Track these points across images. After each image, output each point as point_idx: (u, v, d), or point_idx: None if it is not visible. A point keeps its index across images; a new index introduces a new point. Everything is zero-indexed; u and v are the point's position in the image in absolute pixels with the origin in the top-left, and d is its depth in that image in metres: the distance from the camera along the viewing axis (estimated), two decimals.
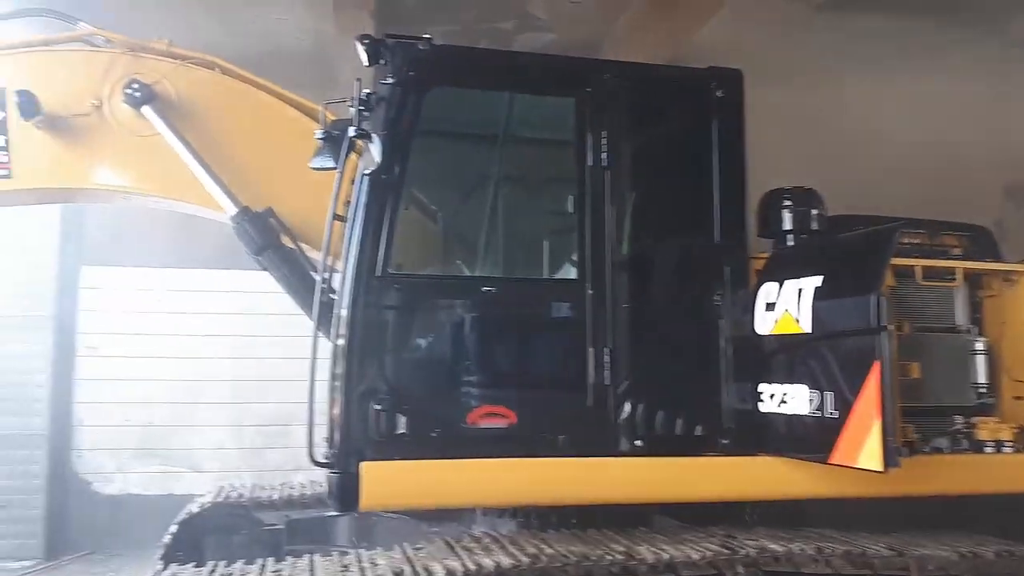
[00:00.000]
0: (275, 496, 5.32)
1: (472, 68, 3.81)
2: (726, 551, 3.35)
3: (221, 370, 7.55)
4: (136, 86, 3.76)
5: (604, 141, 3.64)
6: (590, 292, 3.56)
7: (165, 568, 3.67)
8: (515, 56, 3.80)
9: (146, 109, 3.79)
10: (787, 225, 4.04)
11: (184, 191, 3.97)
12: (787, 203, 4.07)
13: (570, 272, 3.68)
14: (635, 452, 3.54)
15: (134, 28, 4.05)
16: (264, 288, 7.24)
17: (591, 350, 3.52)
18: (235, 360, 7.57)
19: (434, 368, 3.59)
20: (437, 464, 3.40)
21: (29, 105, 3.61)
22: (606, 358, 3.52)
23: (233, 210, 3.89)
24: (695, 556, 3.28)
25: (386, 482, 3.37)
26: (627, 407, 3.56)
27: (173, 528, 4.97)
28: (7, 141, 3.69)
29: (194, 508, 5.10)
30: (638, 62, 4.00)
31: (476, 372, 3.57)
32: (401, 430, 3.39)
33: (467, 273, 3.88)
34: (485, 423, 3.45)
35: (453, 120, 3.82)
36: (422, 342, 3.60)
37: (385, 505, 3.66)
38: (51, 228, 7.14)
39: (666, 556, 3.25)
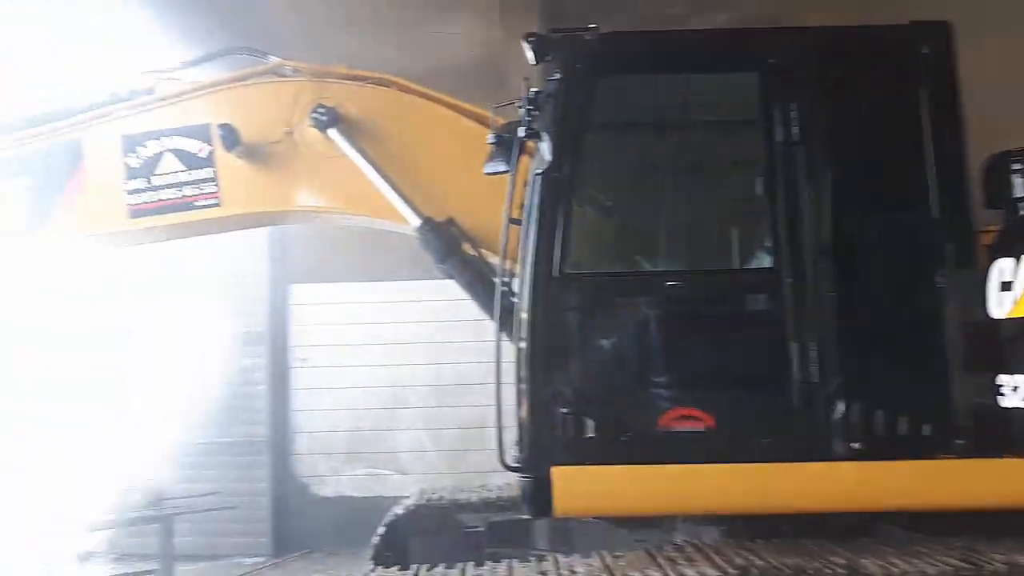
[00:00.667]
0: (474, 498, 5.42)
1: (643, 53, 3.61)
2: (969, 566, 2.92)
3: (420, 375, 7.89)
4: (321, 110, 3.95)
5: (794, 115, 3.32)
6: (789, 281, 3.25)
7: (374, 570, 3.81)
8: (689, 34, 3.58)
9: (331, 131, 3.96)
10: (1019, 192, 3.49)
11: (371, 207, 4.12)
12: (1017, 167, 3.52)
13: (764, 260, 3.40)
14: (852, 456, 3.19)
15: (319, 55, 4.28)
16: (454, 295, 7.55)
17: (794, 345, 3.21)
18: (433, 366, 7.89)
19: (621, 369, 3.46)
20: (631, 469, 3.26)
21: (230, 137, 3.90)
22: (812, 353, 3.20)
23: (416, 222, 3.99)
24: (931, 571, 2.89)
25: (579, 487, 3.28)
26: (840, 406, 3.21)
27: (380, 530, 5.20)
28: (215, 172, 4.01)
29: (399, 510, 5.32)
30: (826, 26, 3.62)
31: (666, 372, 3.38)
32: (590, 434, 3.29)
33: (650, 268, 3.70)
34: (679, 426, 3.26)
35: (626, 110, 3.66)
36: (606, 342, 3.47)
37: (579, 510, 3.57)
38: (260, 250, 7.79)
39: (897, 571, 2.89)
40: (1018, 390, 3.06)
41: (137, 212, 4.06)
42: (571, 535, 4.42)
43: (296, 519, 7.70)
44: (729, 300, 3.41)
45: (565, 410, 3.31)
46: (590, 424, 3.29)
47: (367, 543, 5.24)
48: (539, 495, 3.31)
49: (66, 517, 6.11)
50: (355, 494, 7.67)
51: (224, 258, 7.61)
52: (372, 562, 4.54)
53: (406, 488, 6.67)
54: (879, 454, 3.20)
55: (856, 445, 3.20)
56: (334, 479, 7.79)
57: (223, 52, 4.32)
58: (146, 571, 6.36)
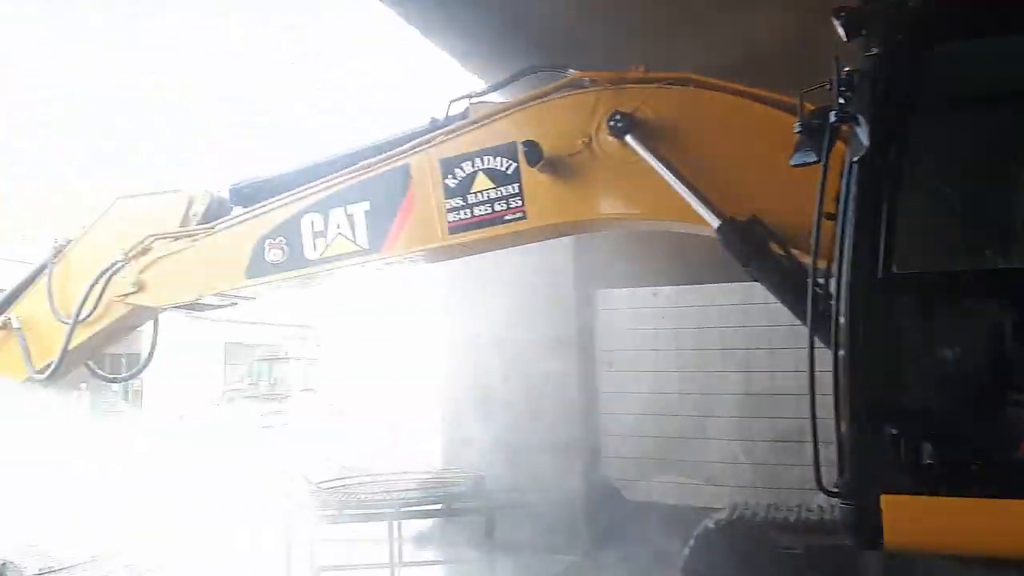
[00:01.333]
0: (792, 518, 5.05)
1: (984, 16, 3.05)
2: None
3: (730, 383, 7.58)
4: (618, 117, 3.96)
5: None
6: None
7: None
8: None
9: (628, 137, 3.95)
10: None
11: (671, 210, 4.03)
12: None
13: None
14: None
15: (619, 61, 4.29)
16: (762, 299, 7.15)
17: None
18: (743, 373, 7.54)
19: (968, 384, 2.95)
20: (983, 504, 2.76)
21: (533, 153, 4.07)
22: None
23: (717, 223, 3.81)
24: None
25: (915, 519, 2.87)
26: None
27: (691, 542, 5.07)
28: (520, 188, 4.21)
29: (710, 523, 5.13)
30: None
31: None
32: (928, 459, 2.86)
33: (1002, 264, 3.10)
34: None
35: (960, 82, 3.10)
36: (945, 352, 2.99)
37: (915, 545, 3.12)
38: (567, 257, 8.07)
39: None
40: None
41: (455, 228, 4.40)
42: (905, 571, 3.92)
43: (607, 521, 7.82)
44: None
45: (895, 431, 2.90)
46: (928, 448, 2.85)
47: (677, 552, 5.15)
48: (865, 525, 2.96)
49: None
50: (665, 501, 7.57)
51: (531, 261, 8.06)
52: (682, 574, 4.43)
53: (718, 500, 6.44)
54: None
55: None
56: (644, 485, 7.78)
57: (525, 72, 4.52)
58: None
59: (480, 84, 5.47)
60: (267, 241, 4.83)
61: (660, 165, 3.86)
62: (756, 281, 3.92)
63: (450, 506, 6.76)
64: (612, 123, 3.94)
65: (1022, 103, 3.05)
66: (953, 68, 3.04)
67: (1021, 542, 2.76)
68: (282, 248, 4.82)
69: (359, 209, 4.64)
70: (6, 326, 5.80)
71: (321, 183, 4.76)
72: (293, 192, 4.83)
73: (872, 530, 2.93)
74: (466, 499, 6.70)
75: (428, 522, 8.46)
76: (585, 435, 8.05)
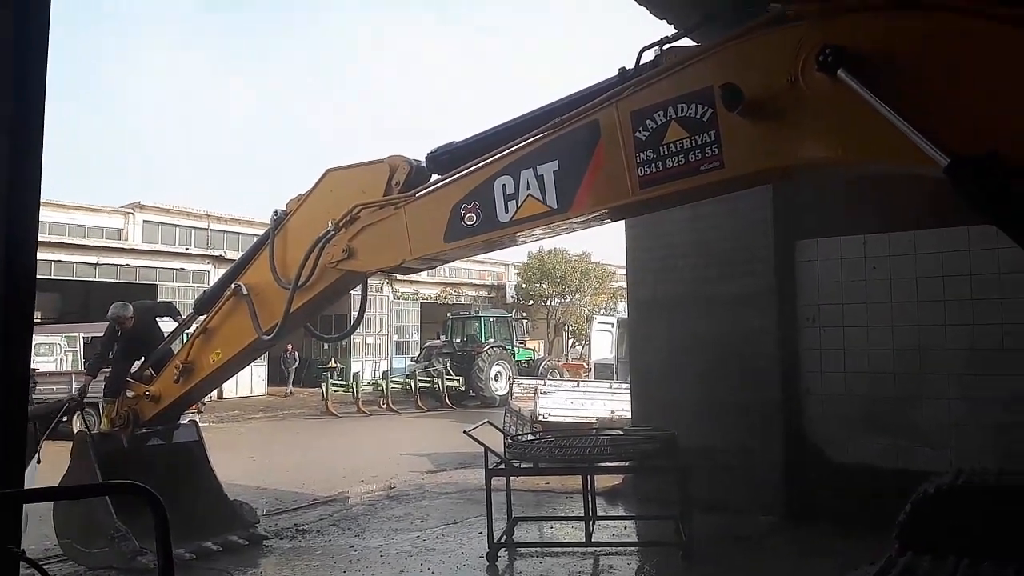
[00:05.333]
0: None
1: None
2: None
3: (951, 338, 6.91)
4: (828, 51, 3.62)
5: None
6: None
7: (902, 553, 3.45)
8: None
9: (840, 72, 3.61)
10: None
11: (889, 151, 3.66)
12: None
13: None
14: None
15: None
16: (992, 244, 6.40)
17: None
18: (967, 327, 6.83)
19: None
20: None
21: (732, 96, 3.83)
22: None
23: (944, 161, 3.41)
24: None
25: None
26: None
27: (907, 508, 4.71)
28: (717, 135, 4.00)
29: (930, 488, 4.74)
30: None
31: None
32: None
33: None
34: None
35: None
36: None
37: None
38: (765, 205, 7.63)
39: None
40: None
41: (646, 183, 4.28)
42: None
43: (809, 483, 7.45)
44: None
45: None
46: None
47: (889, 519, 4.81)
48: None
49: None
50: (877, 464, 7.08)
51: (729, 218, 7.74)
52: (896, 542, 4.13)
53: (936, 464, 5.93)
54: None
55: None
56: (852, 445, 7.31)
57: (721, 12, 4.28)
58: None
59: (671, 30, 5.24)
60: (463, 206, 4.98)
61: (878, 100, 3.49)
62: (991, 224, 3.50)
63: (643, 463, 6.75)
64: (822, 58, 3.61)
65: None
66: None
67: None
68: (476, 212, 4.95)
69: (548, 170, 4.65)
70: (236, 293, 6.45)
71: (511, 146, 4.82)
72: (485, 157, 4.93)
73: None
74: (659, 456, 6.66)
75: (621, 478, 8.54)
76: (784, 394, 7.67)
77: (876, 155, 3.80)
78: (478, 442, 6.59)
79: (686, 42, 4.55)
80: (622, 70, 4.47)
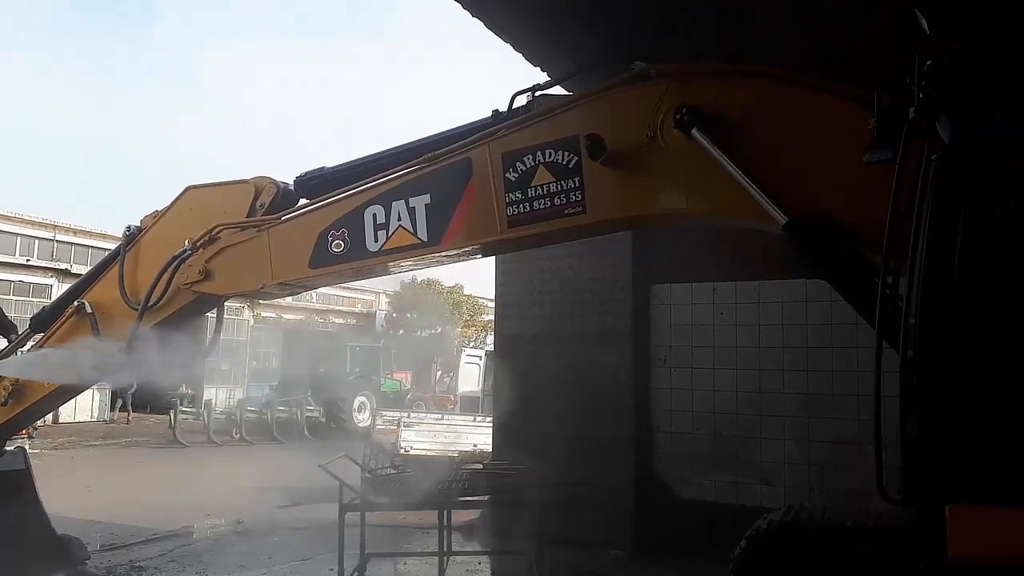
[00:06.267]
0: (848, 522, 4.93)
1: None
2: None
3: (787, 382, 7.45)
4: (685, 111, 3.90)
5: None
6: None
7: None
8: None
9: (695, 131, 3.89)
10: None
11: (735, 207, 3.97)
12: None
13: None
14: None
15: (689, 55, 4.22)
16: (826, 297, 6.98)
17: None
18: (802, 372, 7.39)
19: None
20: None
21: (596, 146, 4.05)
22: None
23: (783, 220, 3.74)
24: None
25: (983, 532, 2.78)
26: None
27: (742, 543, 4.99)
28: (581, 181, 4.20)
29: (763, 524, 5.05)
30: None
31: None
32: (1000, 469, 2.77)
33: None
34: None
35: None
36: (1019, 359, 2.88)
37: (981, 557, 3.03)
38: (624, 251, 8.01)
39: None
40: None
41: (514, 222, 4.41)
42: None
43: (657, 518, 7.77)
44: None
45: (966, 437, 2.82)
46: (1001, 455, 2.76)
47: (728, 551, 5.09)
48: (928, 533, 2.89)
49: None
50: (719, 500, 7.49)
51: (590, 261, 8.05)
52: (732, 575, 4.37)
53: (772, 500, 6.34)
54: None
55: None
56: (697, 482, 7.70)
57: (591, 65, 4.51)
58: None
59: (543, 77, 5.45)
60: (331, 232, 4.92)
61: (727, 160, 3.80)
62: (821, 279, 3.85)
63: (500, 498, 6.81)
64: (679, 116, 3.89)
65: None
66: None
67: None
68: (344, 239, 4.90)
69: (420, 202, 4.69)
70: (79, 311, 6.03)
71: (384, 176, 4.83)
72: (357, 185, 4.91)
73: (935, 539, 2.86)
74: (515, 491, 6.74)
75: (477, 512, 8.56)
76: (637, 431, 7.99)
77: (724, 210, 4.10)
78: (333, 476, 6.44)
79: (558, 90, 4.76)
80: (495, 112, 4.61)
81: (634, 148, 4.05)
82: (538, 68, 7.49)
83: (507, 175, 4.41)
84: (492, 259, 8.76)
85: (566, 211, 4.25)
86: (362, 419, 23.84)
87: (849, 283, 3.68)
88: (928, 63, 2.91)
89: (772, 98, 3.86)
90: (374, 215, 4.82)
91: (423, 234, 4.70)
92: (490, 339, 29.66)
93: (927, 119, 2.89)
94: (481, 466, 8.19)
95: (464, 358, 24.11)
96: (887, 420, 3.14)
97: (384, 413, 17.30)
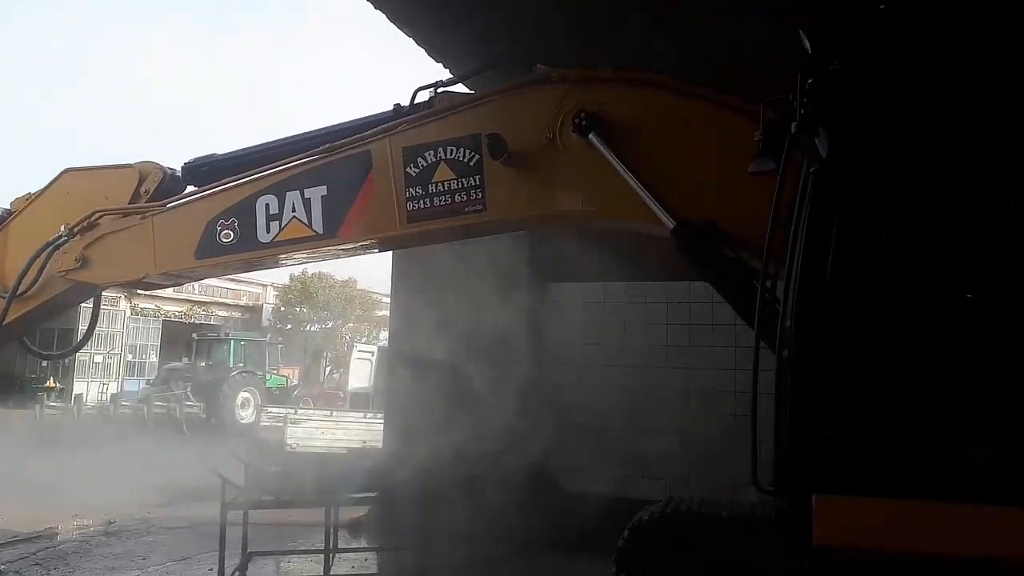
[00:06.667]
0: (724, 513, 5.19)
1: (937, 33, 3.18)
2: None
3: (671, 379, 7.75)
4: (583, 115, 4.02)
5: None
6: None
7: (617, 573, 3.79)
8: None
9: (592, 136, 4.01)
10: None
11: (629, 210, 4.11)
12: None
13: None
14: None
15: (586, 60, 4.33)
16: (708, 299, 7.31)
17: None
18: (685, 370, 7.72)
19: (903, 392, 3.09)
20: (913, 504, 2.92)
21: (497, 146, 4.10)
22: None
23: (673, 224, 3.91)
24: None
25: (844, 519, 3.01)
26: None
27: (625, 534, 5.18)
28: (482, 180, 4.24)
29: (644, 516, 5.25)
30: None
31: (960, 398, 2.97)
32: (862, 462, 3.00)
33: (943, 279, 3.26)
34: (975, 460, 2.86)
35: (916, 98, 3.22)
36: (884, 360, 3.13)
37: (842, 544, 3.26)
38: (521, 249, 8.11)
39: None
40: None
41: (413, 217, 4.40)
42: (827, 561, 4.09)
43: (544, 511, 7.90)
44: None
45: (831, 433, 3.04)
46: (864, 450, 2.99)
47: (612, 543, 5.26)
48: (796, 523, 3.09)
49: None
50: (606, 492, 7.70)
51: (487, 258, 8.10)
52: (615, 565, 4.53)
53: (655, 493, 6.59)
54: None
55: None
56: (585, 476, 7.89)
57: (494, 64, 4.55)
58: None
59: (446, 74, 5.45)
60: (220, 222, 4.75)
61: (621, 165, 3.94)
62: (705, 281, 4.04)
63: (388, 494, 6.78)
64: (577, 120, 4.00)
65: (963, 120, 3.21)
66: (907, 86, 3.16)
67: (947, 542, 2.92)
68: (234, 229, 4.75)
69: (316, 193, 4.61)
70: None
71: (279, 166, 4.71)
72: (249, 173, 4.76)
73: (802, 528, 3.05)
74: (404, 487, 6.72)
75: (365, 509, 8.47)
76: (528, 427, 8.11)
77: (618, 213, 4.24)
78: (217, 473, 6.22)
79: (461, 88, 4.78)
80: (397, 106, 4.58)
81: (534, 149, 4.13)
82: (440, 64, 7.50)
83: (408, 170, 4.39)
84: (389, 254, 8.69)
85: (467, 208, 4.28)
86: (245, 415, 23.05)
87: (731, 286, 3.89)
88: (809, 81, 3.12)
89: (666, 107, 4.02)
90: (267, 205, 4.69)
91: (319, 226, 4.62)
92: (384, 335, 29.34)
93: (807, 134, 3.10)
94: (371, 462, 8.13)
95: (356, 354, 23.72)
96: (762, 416, 3.34)
97: (269, 409, 16.82)
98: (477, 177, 4.25)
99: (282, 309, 39.01)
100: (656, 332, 7.91)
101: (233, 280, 37.65)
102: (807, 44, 3.14)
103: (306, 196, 4.62)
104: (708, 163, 3.93)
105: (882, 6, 3.01)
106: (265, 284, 41.36)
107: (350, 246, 4.78)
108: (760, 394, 3.33)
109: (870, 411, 3.05)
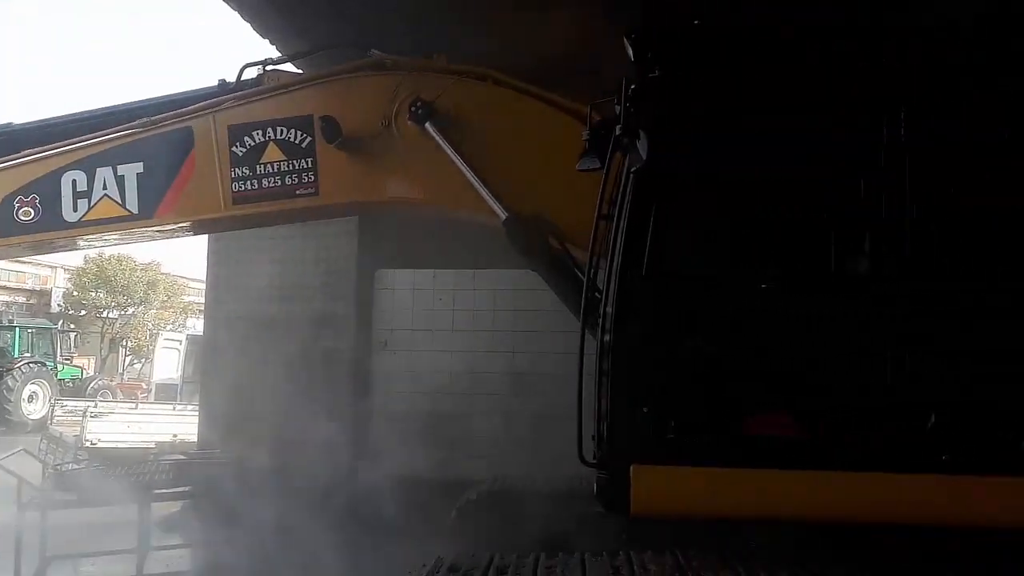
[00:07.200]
0: (546, 489, 5.48)
1: (746, 50, 3.49)
2: None
3: (498, 363, 8.00)
4: (419, 104, 4.07)
5: (904, 117, 3.22)
6: (888, 289, 3.18)
7: (448, 556, 3.91)
8: (797, 31, 3.45)
9: (427, 125, 4.07)
10: None
11: (461, 200, 4.22)
12: None
13: (863, 267, 3.32)
14: (943, 469, 3.11)
15: (418, 49, 4.37)
16: (535, 287, 7.61)
17: (891, 354, 3.15)
18: (510, 355, 7.99)
19: (708, 371, 3.43)
20: (713, 472, 3.26)
21: (331, 129, 4.06)
22: (910, 363, 3.13)
23: (503, 215, 4.07)
24: None
25: (658, 487, 3.30)
26: (934, 418, 3.13)
27: (453, 513, 5.34)
28: (314, 163, 4.18)
29: (471, 495, 5.44)
30: (942, 24, 3.47)
31: (754, 376, 3.35)
32: (672, 434, 3.30)
33: (740, 270, 3.65)
34: (766, 431, 3.24)
35: (726, 107, 3.56)
36: (693, 343, 3.46)
37: (656, 510, 3.58)
38: (351, 236, 8.03)
39: None
40: None
41: (240, 199, 4.26)
42: (645, 533, 4.44)
43: (371, 497, 7.90)
44: (824, 306, 3.32)
45: (647, 409, 3.32)
46: (673, 424, 3.29)
47: (442, 524, 5.40)
48: (616, 492, 3.35)
49: None
50: (433, 475, 7.82)
51: (315, 241, 7.95)
52: (443, 544, 4.65)
53: (481, 473, 6.79)
54: (973, 468, 3.10)
55: (957, 458, 3.11)
56: (414, 460, 7.96)
57: (328, 46, 4.48)
58: None
59: (275, 53, 5.27)
60: (18, 198, 4.35)
61: (456, 155, 4.03)
62: (533, 271, 4.24)
63: (203, 488, 6.51)
64: (413, 109, 4.04)
65: (761, 126, 3.61)
66: (714, 94, 3.49)
67: (745, 506, 3.30)
68: (35, 207, 4.36)
69: (131, 170, 4.33)
70: None
71: (88, 139, 4.37)
72: (56, 145, 4.38)
73: (620, 497, 3.32)
74: (221, 481, 6.49)
75: (179, 505, 8.04)
76: (354, 413, 8.06)
77: (451, 202, 4.34)
78: (10, 472, 5.68)
79: (290, 68, 4.66)
80: (222, 82, 4.39)
81: (369, 135, 4.14)
82: (267, 41, 7.20)
83: (233, 149, 4.24)
84: (202, 236, 8.24)
85: (298, 191, 4.20)
86: (34, 410, 20.91)
87: (555, 275, 4.11)
88: (632, 87, 3.36)
89: (501, 102, 4.17)
90: (74, 181, 4.35)
91: (133, 205, 4.35)
92: (192, 322, 27.64)
93: (629, 136, 3.34)
94: (184, 457, 7.73)
95: (161, 342, 22.18)
96: (585, 396, 3.57)
97: (64, 403, 15.39)
98: (309, 160, 4.19)
99: (75, 294, 35.60)
100: (483, 318, 8.12)
101: (17, 261, 33.87)
102: (630, 51, 3.38)
103: (119, 173, 4.33)
104: (538, 158, 4.12)
105: (696, 21, 3.30)
106: (54, 266, 37.53)
107: (168, 228, 4.54)
108: (584, 376, 3.56)
109: (679, 388, 3.35)
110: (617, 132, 3.36)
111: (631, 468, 3.30)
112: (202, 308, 9.31)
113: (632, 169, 3.34)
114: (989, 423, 3.14)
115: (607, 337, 3.43)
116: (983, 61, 3.37)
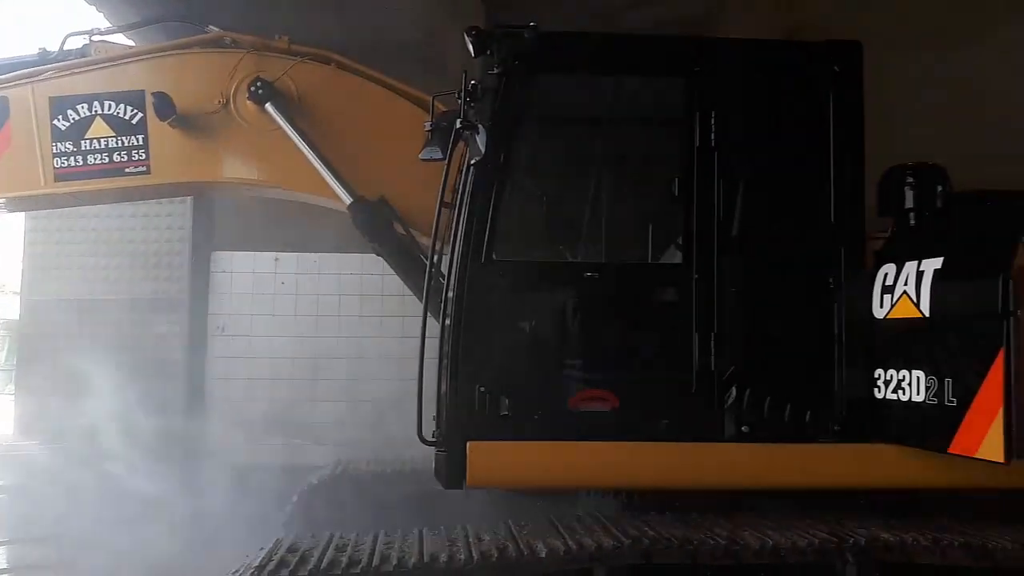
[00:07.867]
0: (389, 470, 5.58)
1: (578, 54, 3.77)
2: (835, 539, 3.27)
3: (341, 348, 7.94)
4: (259, 84, 4.01)
5: (713, 121, 3.58)
6: (695, 277, 3.53)
7: (287, 537, 3.92)
8: (622, 39, 3.76)
9: (268, 106, 4.02)
10: (908, 203, 3.81)
11: (304, 183, 4.21)
12: (909, 180, 3.84)
13: (675, 256, 3.67)
14: (741, 438, 3.52)
15: (258, 27, 4.29)
16: (379, 271, 7.63)
17: (696, 335, 3.50)
18: (354, 339, 7.95)
19: (538, 351, 3.67)
20: (541, 445, 3.51)
21: (164, 106, 3.92)
22: (712, 343, 3.50)
23: (348, 199, 4.10)
24: (802, 543, 3.22)
25: (491, 461, 3.50)
26: (733, 393, 3.53)
27: (294, 499, 5.32)
28: (145, 140, 4.01)
29: (313, 480, 5.44)
30: (749, 39, 3.88)
31: (579, 356, 3.63)
32: (505, 411, 3.51)
33: (571, 258, 3.92)
34: (587, 406, 3.52)
35: (559, 106, 3.82)
36: (526, 326, 3.68)
37: (490, 483, 3.79)
38: (185, 217, 7.68)
39: (771, 542, 3.22)
40: (890, 383, 3.41)
41: (63, 176, 4.03)
42: (481, 507, 4.65)
43: (208, 487, 7.64)
44: (640, 292, 3.64)
45: (483, 388, 3.50)
46: (506, 402, 3.50)
47: (281, 511, 5.35)
48: (453, 468, 3.51)
49: None
50: (272, 462, 7.66)
51: (146, 221, 7.53)
52: (284, 528, 4.66)
53: (323, 458, 6.76)
54: (765, 437, 3.53)
55: (745, 429, 3.53)
56: (250, 448, 7.76)
57: (160, 19, 4.30)
58: None
59: (103, 22, 4.97)
60: None
61: (299, 138, 4.02)
62: (378, 255, 4.31)
63: (16, 483, 6.08)
64: (253, 88, 3.98)
65: (593, 126, 3.90)
66: (551, 93, 3.72)
67: (571, 476, 3.57)
68: None
69: None
70: None
71: None
72: None
73: (458, 472, 3.50)
74: (37, 476, 6.09)
75: None
76: (188, 401, 7.75)
77: (296, 186, 4.33)
78: None
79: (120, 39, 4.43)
80: (42, 51, 4.12)
81: (206, 113, 4.03)
82: (94, 8, 6.72)
83: (55, 122, 4.00)
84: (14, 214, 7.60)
85: (127, 169, 4.03)
86: None
87: (400, 260, 4.20)
88: (472, 82, 3.50)
89: (345, 86, 4.19)
90: None
91: None
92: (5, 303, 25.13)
93: (468, 129, 3.48)
94: None
95: None
96: (426, 379, 3.70)
97: None
98: (140, 137, 4.03)
99: None
100: (328, 303, 8.04)
101: None
102: (470, 47, 3.51)
103: None
104: (382, 144, 4.18)
105: (532, 23, 3.49)
106: None
107: None
108: (425, 359, 3.68)
109: (512, 368, 3.56)
110: (458, 125, 3.49)
111: (467, 444, 3.47)
112: (15, 291, 8.55)
113: (471, 161, 3.49)
114: (780, 397, 3.58)
115: (448, 321, 3.57)
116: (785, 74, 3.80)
